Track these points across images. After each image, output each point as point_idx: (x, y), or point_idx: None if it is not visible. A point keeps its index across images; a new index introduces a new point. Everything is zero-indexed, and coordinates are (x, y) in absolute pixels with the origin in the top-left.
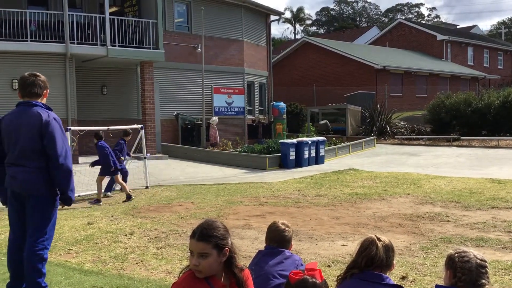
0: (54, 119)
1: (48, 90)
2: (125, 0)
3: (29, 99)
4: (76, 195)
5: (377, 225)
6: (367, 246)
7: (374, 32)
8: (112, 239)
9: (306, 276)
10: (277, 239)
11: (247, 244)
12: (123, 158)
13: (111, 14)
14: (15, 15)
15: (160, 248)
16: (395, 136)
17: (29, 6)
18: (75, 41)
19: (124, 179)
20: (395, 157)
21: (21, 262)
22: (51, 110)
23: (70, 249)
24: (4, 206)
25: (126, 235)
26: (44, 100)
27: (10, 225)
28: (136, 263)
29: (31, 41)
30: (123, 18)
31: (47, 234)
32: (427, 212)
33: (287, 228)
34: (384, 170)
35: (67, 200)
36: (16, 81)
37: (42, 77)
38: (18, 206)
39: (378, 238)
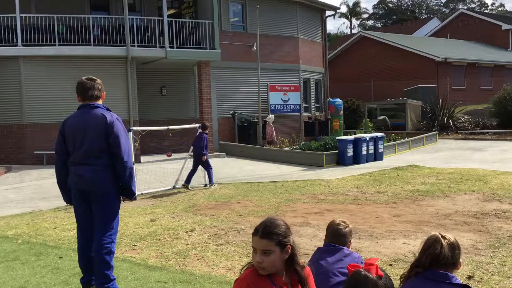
0: (117, 119)
1: (105, 93)
2: (182, 2)
3: (90, 102)
4: (138, 193)
5: (440, 223)
6: (431, 244)
7: (434, 24)
8: (174, 235)
9: (360, 269)
10: (336, 237)
11: (306, 242)
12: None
13: (169, 16)
14: (79, 21)
15: (220, 245)
16: (459, 131)
17: (91, 11)
18: (135, 44)
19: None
20: (459, 152)
21: (91, 257)
22: (110, 111)
23: (134, 245)
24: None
25: (187, 231)
26: (101, 102)
27: (77, 222)
28: (198, 259)
29: (94, 45)
30: (180, 20)
31: (113, 228)
32: (494, 210)
33: (345, 226)
34: (447, 166)
35: (131, 195)
36: None
37: (99, 81)
38: (84, 204)
39: (442, 236)
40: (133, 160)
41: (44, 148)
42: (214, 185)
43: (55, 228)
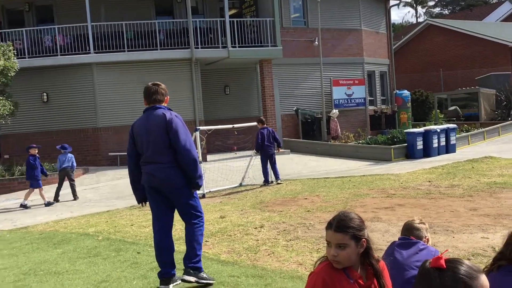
0: (176, 116)
1: (168, 97)
2: (243, 2)
3: (153, 105)
4: (207, 191)
5: None
6: None
7: (506, 8)
8: (243, 231)
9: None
10: (410, 231)
11: (378, 237)
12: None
13: (230, 16)
14: (146, 26)
15: (290, 240)
16: None
17: (157, 16)
18: (199, 46)
19: None
20: None
21: (168, 249)
22: (171, 110)
23: (207, 241)
24: (140, 205)
25: (256, 228)
26: (165, 105)
27: (153, 216)
28: (268, 255)
29: (160, 49)
30: (241, 19)
31: (200, 214)
32: None
33: (421, 222)
34: None
35: (196, 186)
36: None
37: (163, 86)
38: (160, 198)
39: None
40: (200, 158)
41: (117, 149)
42: (281, 181)
43: (132, 225)
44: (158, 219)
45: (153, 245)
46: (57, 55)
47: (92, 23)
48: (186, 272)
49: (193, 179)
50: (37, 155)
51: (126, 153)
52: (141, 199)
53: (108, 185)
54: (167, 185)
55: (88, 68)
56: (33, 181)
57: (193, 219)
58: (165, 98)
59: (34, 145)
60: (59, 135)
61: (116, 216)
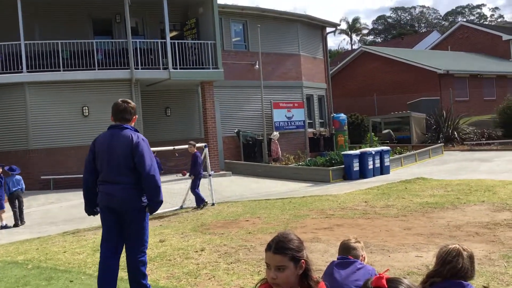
0: (143, 139)
1: (136, 116)
2: (184, 24)
3: (120, 123)
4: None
5: (452, 234)
6: (453, 257)
7: (434, 37)
8: (184, 255)
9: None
10: (348, 251)
11: (317, 257)
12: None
13: (171, 38)
14: (84, 46)
15: (231, 263)
16: (464, 142)
17: (95, 36)
18: (139, 67)
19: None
20: (466, 163)
21: (113, 271)
22: (138, 132)
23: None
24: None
25: (197, 251)
26: (132, 124)
27: (103, 238)
28: (209, 279)
29: (98, 69)
30: (183, 41)
31: (146, 242)
32: (505, 219)
33: (356, 241)
34: (454, 177)
35: (153, 210)
36: (87, 107)
37: (132, 104)
38: (112, 219)
39: (463, 248)
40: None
41: (50, 172)
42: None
43: (65, 252)
44: (107, 240)
45: (87, 272)
46: None
47: (26, 41)
48: None
49: (154, 204)
50: (1, 174)
51: (59, 176)
52: (91, 211)
53: (40, 210)
54: (125, 205)
55: (20, 88)
56: None
57: (138, 245)
58: (133, 117)
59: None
60: None
61: (48, 243)
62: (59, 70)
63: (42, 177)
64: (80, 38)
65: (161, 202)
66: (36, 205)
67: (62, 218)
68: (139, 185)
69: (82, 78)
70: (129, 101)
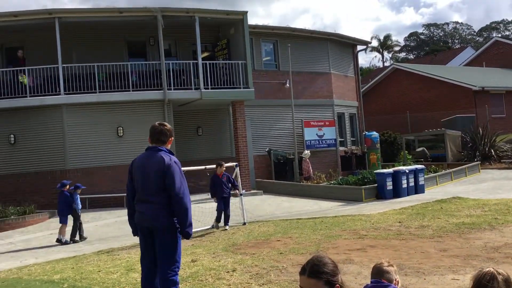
0: (175, 162)
1: (173, 138)
2: (216, 45)
3: (156, 145)
4: None
5: (489, 256)
6: (487, 282)
7: (468, 53)
8: (215, 276)
9: None
10: (381, 274)
11: (350, 280)
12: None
13: (203, 59)
14: (119, 68)
15: (262, 284)
16: (501, 160)
17: (130, 58)
18: (172, 87)
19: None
20: (504, 182)
21: (152, 283)
22: (173, 154)
23: None
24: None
25: (228, 271)
26: (168, 146)
27: (141, 255)
28: None
29: (133, 90)
30: (214, 62)
31: (177, 261)
32: None
33: (389, 264)
34: (492, 197)
35: (186, 235)
36: (121, 128)
37: (168, 127)
38: (147, 238)
39: (498, 272)
40: None
41: (86, 192)
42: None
43: (99, 271)
44: (145, 258)
45: None
46: (26, 96)
47: (63, 65)
48: None
49: (183, 227)
50: (68, 191)
51: (95, 195)
52: (136, 232)
53: None
54: (155, 223)
55: (58, 110)
56: (61, 217)
57: (168, 265)
58: (169, 139)
59: (69, 181)
60: (25, 177)
61: (83, 261)
62: (95, 92)
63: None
64: (115, 60)
65: (190, 225)
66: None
67: (97, 237)
68: (169, 205)
69: (117, 99)
70: (166, 124)
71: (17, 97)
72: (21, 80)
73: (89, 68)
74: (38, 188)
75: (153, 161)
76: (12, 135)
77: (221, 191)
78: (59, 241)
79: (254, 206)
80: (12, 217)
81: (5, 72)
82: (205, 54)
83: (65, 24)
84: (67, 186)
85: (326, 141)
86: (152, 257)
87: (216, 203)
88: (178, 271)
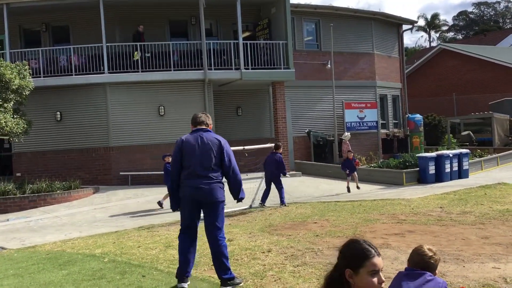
0: (226, 142)
1: (212, 125)
2: (257, 25)
3: (201, 126)
4: None
5: None
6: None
7: None
8: (251, 256)
9: None
10: (422, 265)
11: (387, 265)
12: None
13: (244, 39)
14: (161, 47)
15: (297, 266)
16: None
17: (171, 38)
18: (212, 67)
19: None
20: None
21: (192, 253)
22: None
23: (212, 265)
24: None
25: (263, 252)
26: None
27: (184, 224)
28: (275, 281)
29: (174, 70)
30: (255, 42)
31: (223, 228)
32: None
33: (434, 255)
34: None
35: (241, 199)
36: (162, 107)
37: (209, 116)
38: (196, 210)
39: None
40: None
41: (128, 169)
42: (286, 205)
43: (139, 247)
44: (188, 227)
45: (158, 268)
46: (71, 75)
47: (107, 44)
48: (223, 284)
49: (237, 195)
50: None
51: (137, 173)
52: (177, 207)
53: (118, 205)
54: (211, 197)
55: (102, 88)
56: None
57: (219, 231)
58: (210, 124)
59: (168, 154)
60: (71, 154)
61: (124, 237)
62: (138, 71)
63: (121, 173)
64: (158, 40)
65: (243, 192)
66: (115, 199)
67: (138, 213)
68: (221, 180)
69: (159, 79)
70: (206, 113)
71: (63, 75)
72: (134, 58)
73: (132, 47)
74: (82, 164)
75: (209, 140)
76: (58, 112)
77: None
78: (160, 204)
79: (293, 188)
80: (58, 191)
81: (52, 51)
82: (246, 34)
83: (109, 3)
84: (167, 158)
85: (367, 123)
86: (194, 227)
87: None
88: (224, 236)
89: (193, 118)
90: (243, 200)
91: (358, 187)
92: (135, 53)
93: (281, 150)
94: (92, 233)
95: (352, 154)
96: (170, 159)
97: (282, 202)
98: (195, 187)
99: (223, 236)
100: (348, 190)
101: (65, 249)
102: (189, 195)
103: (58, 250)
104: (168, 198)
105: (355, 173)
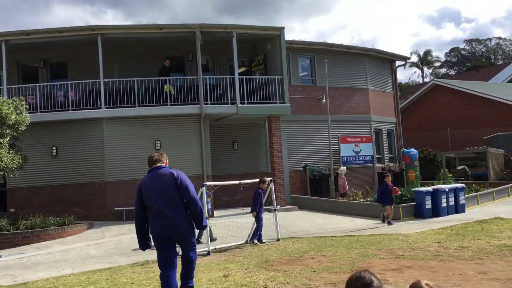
0: (181, 173)
1: (167, 161)
2: (253, 60)
3: (155, 165)
4: (212, 248)
5: None
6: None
7: None
8: None
9: None
10: None
11: None
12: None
13: (240, 74)
14: (158, 83)
15: None
16: None
17: (169, 73)
18: (209, 102)
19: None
20: None
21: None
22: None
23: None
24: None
25: None
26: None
27: (163, 262)
28: None
29: (170, 104)
30: (251, 77)
31: (195, 246)
32: None
33: (428, 285)
34: None
35: (203, 228)
36: (159, 141)
37: (163, 153)
38: (169, 244)
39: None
40: (207, 214)
41: (124, 204)
42: (254, 243)
43: (132, 283)
44: (165, 263)
45: None
46: (68, 110)
47: (105, 79)
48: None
49: (199, 224)
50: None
51: (131, 208)
52: (146, 246)
53: (112, 240)
54: (180, 231)
55: (99, 123)
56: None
57: (192, 251)
58: (166, 160)
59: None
60: (66, 189)
61: (118, 273)
62: (135, 106)
63: (115, 208)
64: (155, 75)
65: (205, 220)
66: (109, 235)
67: (132, 249)
68: (186, 212)
69: (155, 113)
70: (160, 152)
71: (60, 110)
72: (166, 90)
73: (129, 82)
74: (77, 199)
75: (163, 177)
76: (54, 147)
77: (261, 208)
78: None
79: (289, 222)
80: (51, 227)
81: (49, 86)
82: (242, 69)
83: (107, 40)
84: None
85: (362, 157)
86: (172, 260)
87: (255, 218)
88: (196, 250)
89: (148, 159)
90: (205, 228)
91: (389, 222)
92: (166, 86)
93: (263, 185)
94: (85, 270)
95: (390, 180)
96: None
97: (252, 237)
98: (163, 225)
99: (195, 250)
100: (384, 221)
101: (57, 285)
102: (159, 233)
103: (50, 286)
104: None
105: (391, 206)
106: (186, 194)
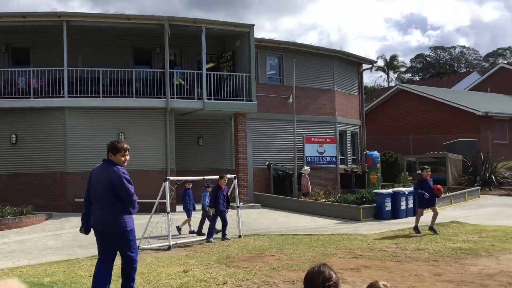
0: (123, 172)
1: (126, 158)
2: (221, 56)
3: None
4: (173, 242)
5: (484, 283)
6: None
7: (474, 78)
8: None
9: None
10: None
11: None
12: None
13: (208, 70)
14: (123, 74)
15: None
16: (502, 187)
17: (135, 65)
18: (175, 96)
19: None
20: (503, 209)
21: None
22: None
23: None
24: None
25: (219, 284)
26: (122, 159)
27: (100, 257)
28: None
29: (136, 97)
30: (218, 73)
31: (136, 251)
32: None
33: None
34: (491, 223)
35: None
36: (123, 134)
37: (122, 144)
38: (104, 242)
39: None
40: (169, 208)
41: (84, 196)
42: (211, 241)
43: (90, 276)
44: (104, 262)
45: None
46: (30, 98)
47: (69, 68)
48: None
49: (130, 204)
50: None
51: None
52: (85, 229)
53: (71, 232)
54: (115, 229)
55: (61, 112)
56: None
57: (132, 257)
58: (121, 153)
59: (189, 180)
60: (25, 178)
61: (76, 266)
62: (99, 97)
63: (76, 199)
64: (121, 66)
65: (134, 204)
66: (68, 227)
67: (92, 241)
68: (121, 209)
69: (120, 105)
70: (121, 141)
71: (21, 97)
72: (176, 83)
73: (94, 72)
74: (36, 189)
75: (106, 173)
76: (14, 135)
77: (219, 204)
78: (178, 229)
79: (251, 220)
80: (8, 217)
81: (10, 72)
82: (210, 65)
83: (73, 27)
84: (188, 184)
85: (326, 158)
86: (107, 258)
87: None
88: (137, 259)
89: (113, 145)
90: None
91: (435, 230)
92: (175, 79)
93: (221, 181)
94: (42, 261)
95: (429, 174)
96: (190, 185)
97: (208, 237)
98: (99, 220)
99: (135, 257)
100: (417, 230)
101: (11, 277)
102: (96, 227)
103: (4, 278)
104: (187, 224)
105: (435, 207)
106: (121, 191)
